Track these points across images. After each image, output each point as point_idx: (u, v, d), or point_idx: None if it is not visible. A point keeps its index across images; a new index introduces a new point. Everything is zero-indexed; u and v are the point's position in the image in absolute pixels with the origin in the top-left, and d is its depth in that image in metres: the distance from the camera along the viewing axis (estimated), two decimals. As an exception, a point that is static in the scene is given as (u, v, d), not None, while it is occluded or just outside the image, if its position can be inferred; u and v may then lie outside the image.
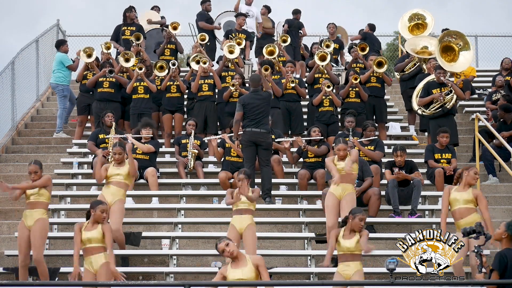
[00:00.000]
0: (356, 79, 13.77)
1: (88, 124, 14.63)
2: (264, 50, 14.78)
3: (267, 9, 18.01)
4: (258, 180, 11.56)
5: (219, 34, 17.30)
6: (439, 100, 13.04)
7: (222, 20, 17.46)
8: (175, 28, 15.58)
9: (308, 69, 15.73)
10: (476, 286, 8.79)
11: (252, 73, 14.47)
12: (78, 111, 14.60)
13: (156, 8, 17.60)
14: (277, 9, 17.63)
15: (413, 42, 14.85)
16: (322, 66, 14.24)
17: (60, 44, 15.33)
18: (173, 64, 13.90)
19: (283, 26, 17.40)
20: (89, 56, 14.39)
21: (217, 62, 15.53)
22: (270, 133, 11.72)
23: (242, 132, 11.62)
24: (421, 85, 13.62)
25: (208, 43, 15.84)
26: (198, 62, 14.11)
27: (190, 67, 14.60)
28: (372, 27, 17.64)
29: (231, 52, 14.47)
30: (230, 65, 14.52)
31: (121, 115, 14.00)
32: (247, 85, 14.38)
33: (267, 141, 11.46)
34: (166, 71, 14.00)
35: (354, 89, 13.86)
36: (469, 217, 9.66)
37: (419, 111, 13.36)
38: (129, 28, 15.65)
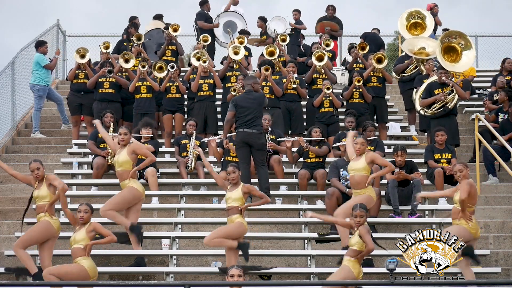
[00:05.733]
0: (359, 81, 13.77)
1: (83, 124, 14.63)
2: (264, 51, 14.80)
3: (263, 21, 17.77)
4: (255, 180, 11.56)
5: (219, 34, 17.30)
6: (441, 100, 13.03)
7: (221, 20, 17.46)
8: (175, 30, 15.66)
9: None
10: (478, 286, 8.81)
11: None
12: (70, 112, 14.61)
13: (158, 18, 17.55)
14: (280, 7, 17.61)
15: (411, 43, 14.83)
16: (320, 66, 14.25)
17: (39, 45, 15.36)
18: (172, 67, 13.93)
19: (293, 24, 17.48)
20: (83, 56, 14.41)
21: (222, 63, 15.53)
22: (263, 134, 11.71)
23: (234, 133, 11.65)
24: (423, 86, 13.61)
25: (209, 44, 15.88)
26: (198, 59, 14.14)
27: (190, 66, 14.63)
28: (375, 29, 17.68)
29: (236, 53, 14.48)
30: (235, 65, 14.53)
31: (121, 115, 14.02)
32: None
33: (259, 141, 11.45)
34: (166, 71, 14.02)
35: (357, 90, 13.87)
36: None
37: (421, 112, 13.36)
38: (131, 44, 15.68)
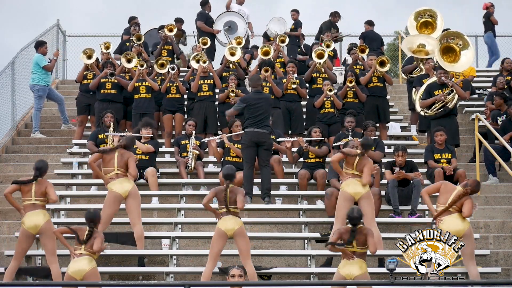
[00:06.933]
0: (351, 82, 13.76)
1: (88, 124, 14.64)
2: (259, 51, 14.82)
3: None
4: (257, 180, 11.57)
5: (219, 34, 17.29)
6: (441, 100, 13.04)
7: (222, 20, 17.45)
8: (170, 30, 15.68)
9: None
10: (477, 286, 8.81)
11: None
12: (78, 111, 14.64)
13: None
14: (281, 8, 17.62)
15: (410, 41, 14.79)
16: (320, 64, 14.24)
17: (39, 46, 15.36)
18: (172, 69, 13.95)
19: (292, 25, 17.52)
20: (89, 57, 14.48)
21: (221, 64, 15.55)
22: (271, 134, 11.74)
23: (242, 132, 11.64)
24: (423, 87, 13.61)
25: (208, 45, 15.91)
26: (198, 61, 14.14)
27: (189, 67, 14.62)
28: (370, 23, 17.63)
29: (232, 54, 14.47)
30: (231, 66, 14.53)
31: (123, 115, 14.05)
32: (247, 86, 14.41)
33: (268, 141, 11.48)
34: (167, 68, 14.05)
35: (352, 90, 13.85)
36: None
37: (422, 112, 13.36)
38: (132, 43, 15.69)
